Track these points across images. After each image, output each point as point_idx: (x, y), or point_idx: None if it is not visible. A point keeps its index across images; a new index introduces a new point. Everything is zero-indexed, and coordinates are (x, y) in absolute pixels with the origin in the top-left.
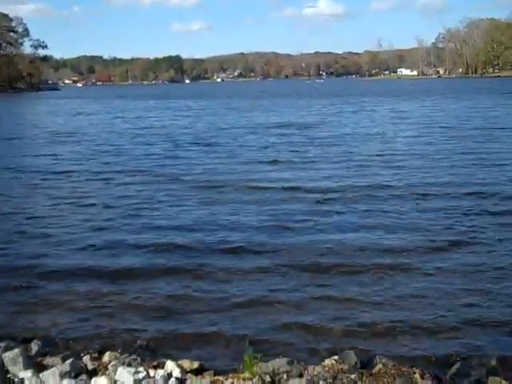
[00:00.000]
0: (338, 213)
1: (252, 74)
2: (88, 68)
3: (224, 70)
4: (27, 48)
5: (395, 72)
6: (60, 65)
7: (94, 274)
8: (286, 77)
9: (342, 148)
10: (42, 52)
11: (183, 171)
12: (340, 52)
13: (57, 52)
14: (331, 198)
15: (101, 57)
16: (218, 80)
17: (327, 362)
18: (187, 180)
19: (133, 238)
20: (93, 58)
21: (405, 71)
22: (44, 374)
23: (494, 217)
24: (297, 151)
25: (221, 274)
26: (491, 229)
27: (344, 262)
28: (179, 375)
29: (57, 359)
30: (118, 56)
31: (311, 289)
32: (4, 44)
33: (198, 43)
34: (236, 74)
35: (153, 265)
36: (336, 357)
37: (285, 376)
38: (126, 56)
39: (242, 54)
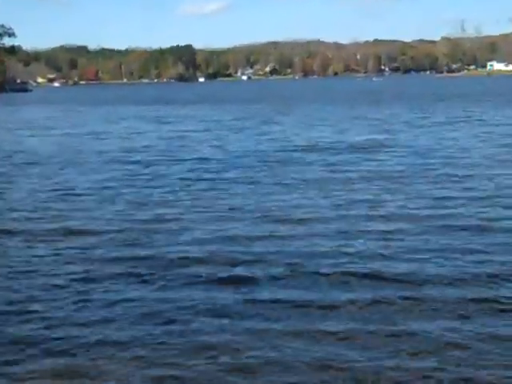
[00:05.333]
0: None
1: (289, 70)
2: (69, 62)
3: (251, 65)
4: None
5: (484, 66)
6: (31, 58)
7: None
8: (335, 74)
9: (415, 188)
10: (7, 41)
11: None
12: (408, 40)
13: (27, 41)
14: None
15: (85, 47)
16: (243, 78)
17: None
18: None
19: None
20: (75, 49)
21: (497, 65)
22: None
23: None
24: (349, 197)
25: None
26: None
27: None
28: None
29: None
30: (109, 46)
31: None
32: None
33: (214, 29)
34: (267, 69)
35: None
36: None
37: None
38: (120, 46)
39: (275, 42)
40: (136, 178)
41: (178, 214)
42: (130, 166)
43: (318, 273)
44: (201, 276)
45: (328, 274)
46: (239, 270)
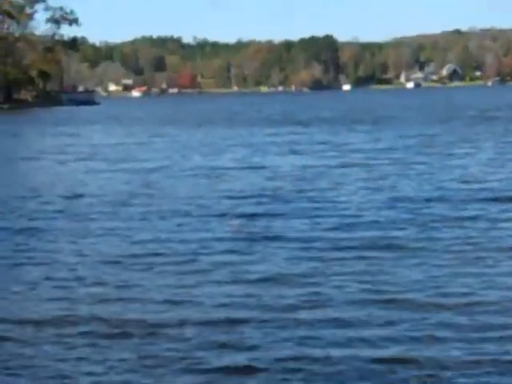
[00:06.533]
0: None
1: (477, 74)
2: (153, 61)
3: (421, 66)
4: (41, 25)
5: None
6: (101, 56)
7: None
8: None
9: None
10: (67, 32)
11: None
12: None
13: (95, 32)
14: None
15: (177, 40)
16: (409, 85)
17: None
18: None
19: None
20: (162, 41)
21: None
22: None
23: None
24: None
25: None
26: None
27: None
28: None
29: None
30: (212, 39)
31: None
32: None
33: (365, 14)
34: (445, 72)
35: None
36: None
37: None
38: (227, 38)
39: (458, 32)
40: (251, 242)
41: (320, 306)
42: (241, 221)
43: None
44: None
45: None
46: None
